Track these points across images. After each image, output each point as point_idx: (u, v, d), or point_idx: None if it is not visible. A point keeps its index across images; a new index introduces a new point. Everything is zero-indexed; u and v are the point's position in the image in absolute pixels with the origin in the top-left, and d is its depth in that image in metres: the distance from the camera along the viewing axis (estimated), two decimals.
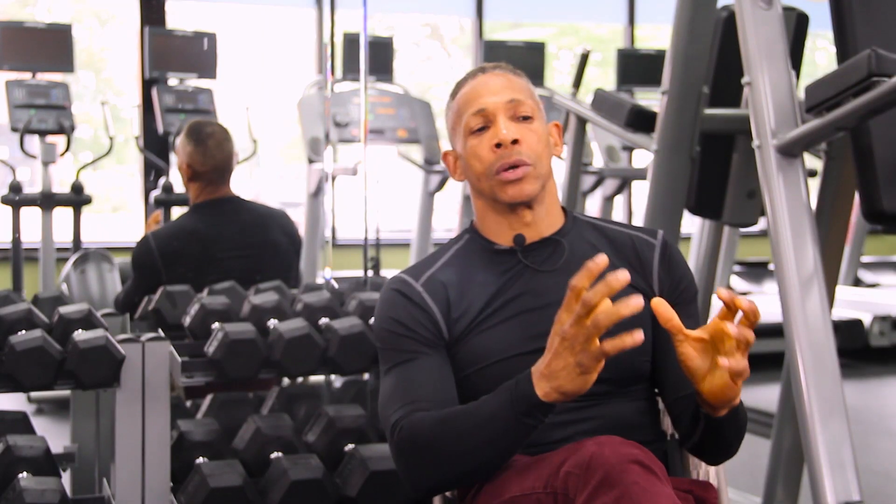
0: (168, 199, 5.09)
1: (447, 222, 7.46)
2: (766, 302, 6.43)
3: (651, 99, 6.18)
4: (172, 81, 5.54)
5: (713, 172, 3.14)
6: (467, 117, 1.72)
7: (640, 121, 3.28)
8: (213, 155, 3.30)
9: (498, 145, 1.68)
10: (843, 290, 6.52)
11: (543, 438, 1.64)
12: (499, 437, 1.53)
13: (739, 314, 1.45)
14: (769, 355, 5.12)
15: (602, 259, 1.40)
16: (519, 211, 1.73)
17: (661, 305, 1.45)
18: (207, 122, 3.45)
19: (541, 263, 1.73)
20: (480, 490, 1.64)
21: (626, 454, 1.46)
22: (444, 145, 1.82)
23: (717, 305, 1.53)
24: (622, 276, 1.36)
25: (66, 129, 5.15)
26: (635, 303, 1.36)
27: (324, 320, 2.58)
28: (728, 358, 1.43)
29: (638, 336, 1.36)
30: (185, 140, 3.34)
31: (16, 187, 5.06)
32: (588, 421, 1.66)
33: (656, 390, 1.80)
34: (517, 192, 1.69)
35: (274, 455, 2.38)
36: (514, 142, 1.68)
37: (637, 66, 6.56)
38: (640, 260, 1.75)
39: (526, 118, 1.71)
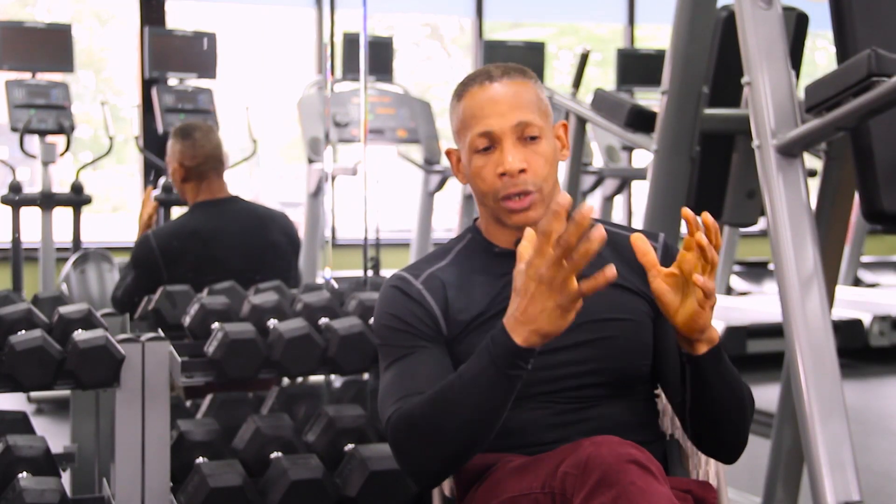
0: (168, 199, 5.09)
1: (447, 222, 7.47)
2: (766, 302, 6.45)
3: (651, 99, 6.18)
4: (172, 81, 5.55)
5: (713, 172, 3.14)
6: (472, 136, 1.68)
7: (640, 121, 3.28)
8: (202, 146, 3.30)
9: (503, 174, 1.66)
10: (843, 290, 6.52)
11: (542, 439, 1.64)
12: (487, 396, 1.51)
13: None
14: (769, 355, 5.12)
15: (565, 199, 1.40)
16: (522, 228, 1.72)
17: (637, 240, 1.54)
18: (192, 121, 3.46)
19: None
20: (478, 490, 1.64)
21: (623, 454, 1.46)
22: (444, 145, 1.79)
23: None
24: (586, 211, 1.38)
25: (65, 129, 5.15)
26: (601, 233, 1.38)
27: (324, 320, 2.58)
28: (700, 275, 1.49)
29: (610, 272, 1.41)
30: (173, 141, 3.35)
31: (16, 187, 5.06)
32: (586, 422, 1.66)
33: (656, 392, 1.80)
34: (522, 219, 1.68)
35: (274, 455, 2.38)
36: (521, 171, 1.66)
37: (637, 66, 6.56)
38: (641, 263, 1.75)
39: (533, 138, 1.67)
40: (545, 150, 1.68)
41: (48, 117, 5.14)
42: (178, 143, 3.32)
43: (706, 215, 1.51)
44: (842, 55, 2.24)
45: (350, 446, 2.43)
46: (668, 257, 1.76)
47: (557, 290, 1.42)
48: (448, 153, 1.79)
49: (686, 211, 1.52)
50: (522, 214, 1.68)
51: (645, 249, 1.53)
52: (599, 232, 1.38)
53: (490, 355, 1.49)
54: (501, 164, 1.66)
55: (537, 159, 1.67)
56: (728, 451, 1.69)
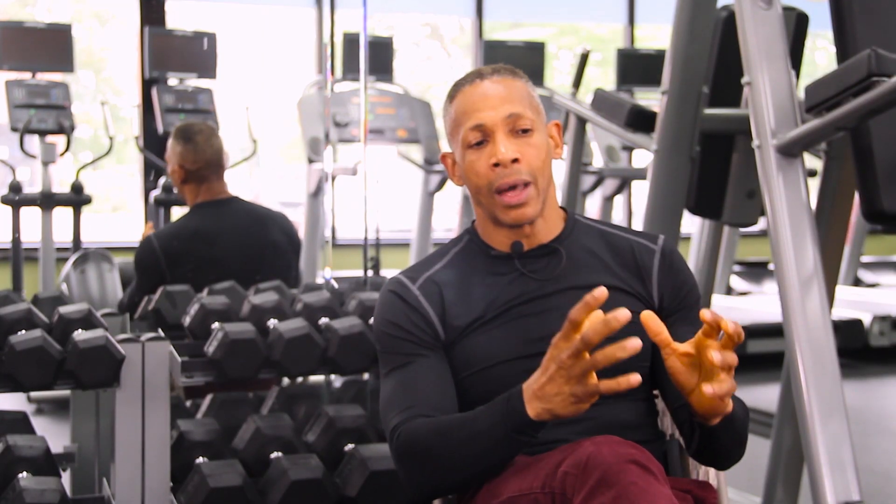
0: (168, 199, 5.10)
1: (447, 222, 7.46)
2: (766, 302, 6.45)
3: (651, 99, 6.18)
4: (172, 81, 5.55)
5: (713, 172, 3.14)
6: (465, 131, 1.69)
7: (640, 121, 3.28)
8: (204, 150, 3.30)
9: (496, 164, 1.66)
10: (843, 290, 6.52)
11: (541, 438, 1.64)
12: (491, 450, 1.55)
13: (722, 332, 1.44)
14: (769, 355, 5.12)
15: (601, 293, 1.40)
16: (519, 227, 1.73)
17: (649, 319, 1.46)
18: (193, 122, 3.46)
19: (538, 271, 1.73)
20: (479, 490, 1.64)
21: (623, 454, 1.46)
22: (444, 145, 1.79)
23: (716, 306, 1.53)
24: (622, 316, 1.37)
25: (65, 129, 5.15)
26: (632, 345, 1.37)
27: (324, 320, 2.58)
28: (713, 384, 1.43)
29: (634, 379, 1.39)
30: (174, 142, 3.34)
31: (16, 187, 5.06)
32: (586, 422, 1.66)
33: (655, 392, 1.80)
34: (519, 215, 1.68)
35: (274, 455, 2.38)
36: (514, 160, 1.66)
37: (637, 66, 6.56)
38: (640, 266, 1.75)
39: (525, 131, 1.68)
40: (538, 143, 1.69)
41: (48, 117, 5.14)
42: (180, 145, 3.32)
43: (727, 323, 1.41)
44: (842, 55, 2.24)
45: (350, 446, 2.43)
46: (666, 261, 1.76)
47: (575, 379, 1.43)
48: (443, 157, 1.79)
49: (705, 314, 1.42)
50: (518, 210, 1.68)
51: (657, 329, 1.45)
52: (633, 344, 1.37)
53: (503, 414, 1.52)
54: (494, 155, 1.66)
55: (530, 150, 1.68)
56: (727, 464, 1.70)
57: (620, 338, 1.65)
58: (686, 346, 1.47)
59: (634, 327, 1.70)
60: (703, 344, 1.44)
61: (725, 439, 1.60)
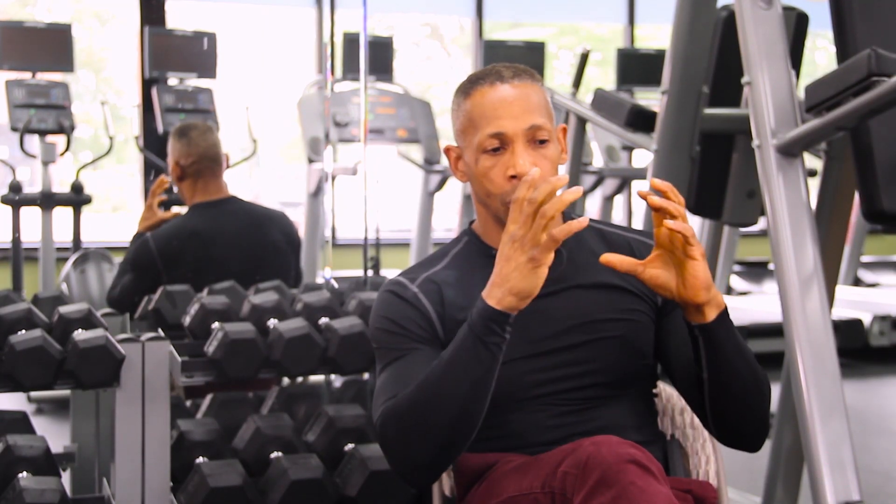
0: (168, 199, 5.08)
1: (447, 222, 7.46)
2: (766, 302, 6.45)
3: (651, 99, 6.18)
4: (172, 81, 5.55)
5: (713, 172, 3.14)
6: (482, 136, 1.66)
7: (640, 120, 3.28)
8: (197, 144, 3.30)
9: (514, 176, 1.65)
10: (843, 290, 6.52)
11: (542, 440, 1.64)
12: (467, 369, 1.52)
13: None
14: (769, 355, 5.12)
15: (535, 172, 1.49)
16: None
17: (611, 257, 1.56)
18: (192, 121, 3.46)
19: None
20: (478, 490, 1.64)
21: (623, 454, 1.46)
22: (444, 145, 1.77)
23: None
24: (559, 180, 1.47)
25: (65, 129, 5.15)
26: (574, 191, 1.48)
27: (324, 320, 2.58)
28: (670, 220, 1.51)
29: (582, 220, 1.48)
30: (171, 140, 3.35)
31: (16, 187, 5.06)
32: (586, 423, 1.66)
33: (655, 392, 1.80)
34: None
35: (274, 455, 2.38)
36: None
37: (637, 66, 6.56)
38: (638, 258, 1.75)
39: (542, 142, 1.67)
40: (552, 155, 1.68)
41: (48, 117, 5.14)
42: (176, 141, 3.33)
43: (655, 182, 1.54)
44: (842, 55, 2.25)
45: (350, 446, 2.43)
46: None
47: (529, 243, 1.47)
48: (447, 150, 1.77)
49: (642, 192, 1.54)
50: None
51: (619, 260, 1.55)
52: (574, 190, 1.46)
53: (468, 326, 1.52)
54: (513, 167, 1.64)
55: (546, 163, 1.67)
56: (751, 437, 1.66)
57: (622, 328, 1.65)
58: (652, 253, 1.57)
59: (633, 324, 1.70)
60: (660, 233, 1.54)
61: (733, 354, 1.58)
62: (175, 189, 3.47)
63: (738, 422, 1.64)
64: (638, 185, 6.61)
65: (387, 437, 1.59)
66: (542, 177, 1.49)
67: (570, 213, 1.82)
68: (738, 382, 1.60)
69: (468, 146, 1.70)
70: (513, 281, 1.48)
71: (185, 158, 3.30)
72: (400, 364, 1.66)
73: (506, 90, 1.67)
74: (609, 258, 1.55)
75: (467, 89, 1.71)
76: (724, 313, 1.57)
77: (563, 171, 4.03)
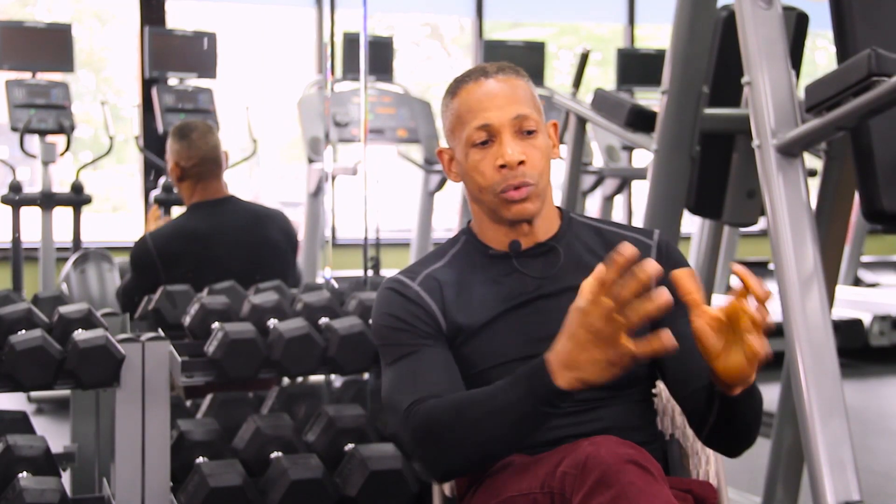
0: (168, 199, 5.09)
1: (447, 222, 7.46)
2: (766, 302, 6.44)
3: (651, 99, 6.18)
4: (172, 81, 5.55)
5: (713, 172, 3.14)
6: (470, 130, 1.68)
7: (640, 120, 3.28)
8: (199, 146, 3.29)
9: (503, 166, 1.66)
10: (843, 290, 6.52)
11: (541, 439, 1.64)
12: (517, 424, 1.51)
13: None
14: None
15: (629, 250, 1.35)
16: (518, 224, 1.72)
17: (682, 277, 1.41)
18: (191, 120, 3.45)
19: (536, 269, 1.73)
20: (478, 489, 1.64)
21: (622, 454, 1.46)
22: (444, 145, 1.79)
23: (717, 306, 1.52)
24: (650, 268, 1.34)
25: (65, 129, 5.15)
26: (663, 299, 1.34)
27: (324, 320, 2.58)
28: (757, 341, 1.40)
29: (668, 341, 1.35)
30: (171, 140, 3.34)
31: (16, 187, 5.06)
32: (586, 424, 1.66)
33: (654, 391, 1.80)
34: (520, 210, 1.68)
35: (274, 455, 2.38)
36: (520, 163, 1.66)
37: (637, 66, 6.56)
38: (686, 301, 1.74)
39: (530, 132, 1.68)
40: (541, 145, 1.69)
41: (48, 117, 5.14)
42: (176, 142, 3.32)
43: (753, 283, 1.41)
44: (842, 55, 2.25)
45: (350, 446, 2.43)
46: (663, 254, 1.76)
47: (608, 344, 1.39)
48: (440, 153, 1.78)
49: (738, 270, 1.42)
50: (520, 206, 1.68)
51: (689, 288, 1.41)
52: (664, 296, 1.34)
53: (528, 390, 1.48)
54: (501, 157, 1.66)
55: (535, 152, 1.68)
56: (740, 447, 1.66)
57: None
58: (717, 311, 1.44)
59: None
60: (735, 308, 1.42)
61: (746, 412, 1.56)
62: (175, 189, 3.47)
63: (732, 446, 1.65)
64: (638, 186, 6.61)
65: (416, 441, 1.60)
66: (625, 257, 1.34)
67: (578, 218, 1.82)
68: (744, 428, 1.60)
69: (458, 144, 1.72)
70: (585, 373, 1.42)
71: (186, 160, 3.29)
72: (411, 361, 1.66)
73: (490, 84, 1.69)
74: (683, 282, 1.41)
75: (454, 89, 1.73)
76: (751, 387, 1.52)
77: (564, 171, 4.05)
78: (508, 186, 1.67)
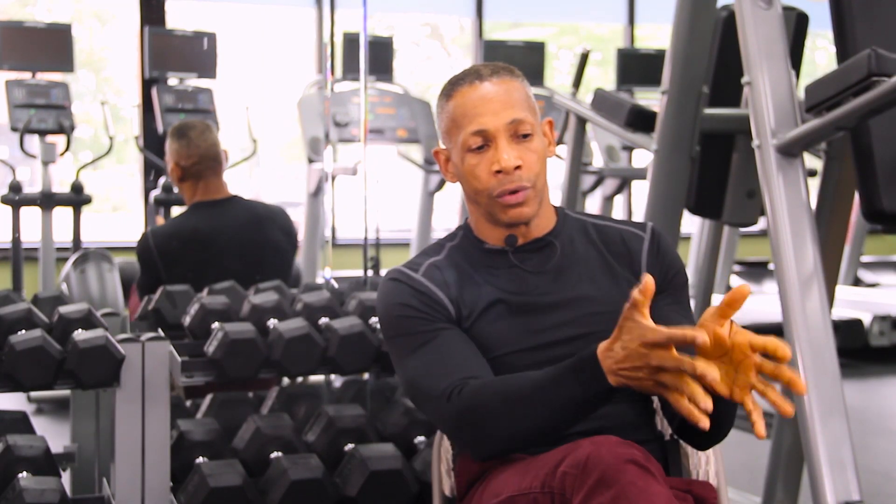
0: (168, 199, 5.09)
1: (447, 222, 7.46)
2: (766, 302, 6.44)
3: (651, 99, 6.18)
4: (172, 81, 5.54)
5: (713, 172, 3.14)
6: (466, 135, 1.69)
7: (640, 120, 3.28)
8: (197, 144, 3.29)
9: (499, 171, 1.67)
10: (843, 290, 6.52)
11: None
12: (568, 415, 1.54)
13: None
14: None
15: (703, 338, 1.37)
16: (515, 226, 1.73)
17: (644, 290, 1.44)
18: (189, 120, 3.45)
19: (533, 264, 1.73)
20: (479, 489, 1.64)
21: (622, 454, 1.46)
22: (442, 145, 1.80)
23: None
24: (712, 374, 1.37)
25: (65, 129, 5.15)
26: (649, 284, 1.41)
27: (324, 320, 2.58)
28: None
29: (704, 423, 1.37)
30: (170, 140, 3.34)
31: (16, 187, 5.05)
32: (584, 422, 1.66)
33: None
34: (517, 214, 1.70)
35: (274, 455, 2.38)
36: (516, 168, 1.67)
37: (637, 66, 6.56)
38: (629, 252, 1.76)
39: (526, 136, 1.69)
40: (537, 148, 1.70)
41: (48, 117, 5.14)
42: (175, 142, 3.32)
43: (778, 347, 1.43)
44: (842, 55, 2.25)
45: (350, 446, 2.43)
46: (654, 245, 1.77)
47: (658, 375, 1.41)
48: (436, 153, 1.79)
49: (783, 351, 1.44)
50: (517, 210, 1.69)
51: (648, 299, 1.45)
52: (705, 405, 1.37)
53: (581, 386, 1.50)
54: (497, 162, 1.66)
55: (531, 156, 1.68)
56: (708, 444, 1.69)
57: (616, 321, 1.65)
58: (734, 341, 1.44)
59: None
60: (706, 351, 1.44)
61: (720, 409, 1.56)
62: (176, 189, 3.46)
63: (698, 436, 1.66)
64: (638, 185, 6.61)
65: (462, 422, 1.60)
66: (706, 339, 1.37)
67: (573, 215, 1.82)
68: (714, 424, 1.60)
69: (454, 147, 1.72)
70: (633, 384, 1.46)
71: (185, 160, 3.29)
72: (435, 346, 1.66)
73: (485, 88, 1.69)
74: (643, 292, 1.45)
75: (448, 91, 1.73)
76: None
77: (564, 171, 4.04)
78: (505, 191, 1.67)
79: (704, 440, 1.66)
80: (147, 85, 5.93)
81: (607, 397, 1.50)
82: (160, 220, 4.67)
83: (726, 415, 1.60)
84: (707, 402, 1.36)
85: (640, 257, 1.76)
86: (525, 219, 1.71)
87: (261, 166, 9.75)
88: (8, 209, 5.10)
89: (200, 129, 3.33)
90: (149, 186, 6.05)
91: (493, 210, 1.70)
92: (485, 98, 1.68)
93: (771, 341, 1.41)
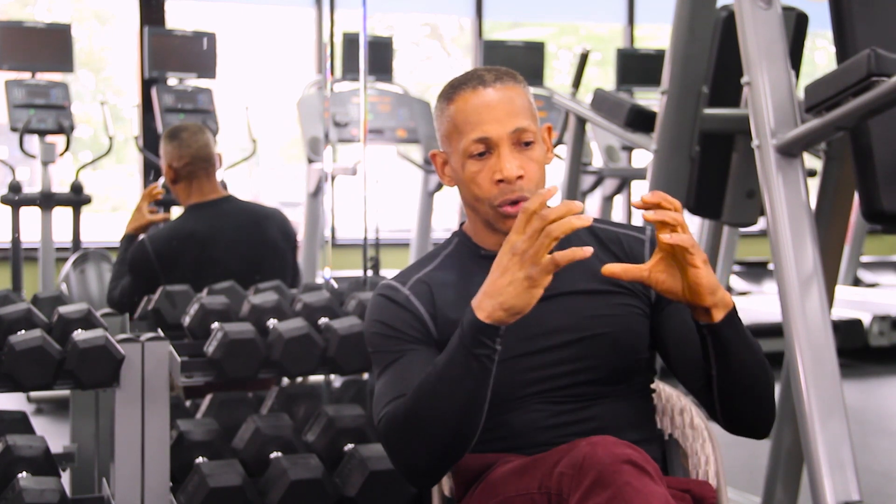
0: (168, 199, 5.09)
1: (447, 222, 7.47)
2: (766, 302, 6.45)
3: (651, 99, 6.18)
4: (172, 81, 5.55)
5: (713, 172, 3.14)
6: (467, 142, 1.66)
7: (640, 121, 3.28)
8: (189, 145, 3.28)
9: (500, 181, 1.65)
10: (842, 290, 6.52)
11: (539, 440, 1.64)
12: (460, 382, 1.51)
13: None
14: (769, 355, 5.12)
15: (554, 188, 1.47)
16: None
17: (612, 267, 1.54)
18: (183, 122, 3.44)
19: None
20: (476, 490, 1.64)
21: (618, 454, 1.46)
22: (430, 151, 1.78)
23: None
24: (575, 206, 1.43)
25: (65, 129, 5.15)
26: (587, 250, 1.43)
27: (323, 320, 2.58)
28: (668, 234, 1.50)
29: (587, 249, 1.43)
30: (163, 143, 3.34)
31: (15, 187, 5.06)
32: (584, 422, 1.66)
33: (653, 386, 1.80)
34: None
35: (273, 455, 2.38)
36: (518, 177, 1.65)
37: (637, 66, 6.56)
38: (630, 255, 1.75)
39: (527, 144, 1.67)
40: (538, 156, 1.69)
41: (48, 117, 5.14)
42: (167, 144, 3.31)
43: (645, 197, 1.53)
44: (842, 55, 2.24)
45: (350, 446, 2.43)
46: (655, 247, 1.77)
47: (529, 260, 1.44)
48: (433, 156, 1.77)
49: (638, 202, 1.53)
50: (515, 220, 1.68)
51: (620, 270, 1.54)
52: (584, 218, 1.42)
53: (458, 338, 1.51)
54: (500, 171, 1.65)
55: (532, 165, 1.67)
56: (761, 424, 1.67)
57: (613, 324, 1.64)
58: (654, 257, 1.55)
59: (624, 319, 1.70)
60: (660, 239, 1.52)
61: (742, 349, 1.58)
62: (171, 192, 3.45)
63: (748, 412, 1.65)
64: (638, 186, 6.62)
65: (389, 443, 1.60)
66: (551, 192, 1.46)
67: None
68: (748, 376, 1.61)
69: (454, 151, 1.70)
70: (505, 296, 1.46)
71: (177, 161, 3.28)
72: (397, 367, 1.66)
73: (489, 94, 1.67)
74: (612, 269, 1.53)
75: (450, 94, 1.70)
76: (732, 312, 1.58)
77: (564, 171, 4.05)
78: (505, 201, 1.66)
79: (758, 429, 1.67)
80: (147, 85, 5.93)
81: (483, 338, 1.47)
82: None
83: (756, 363, 1.61)
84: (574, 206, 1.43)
85: (643, 261, 1.75)
86: None
87: (260, 166, 9.75)
88: (8, 209, 5.10)
89: (193, 130, 3.33)
90: (148, 186, 6.04)
91: (492, 219, 1.70)
92: (489, 105, 1.66)
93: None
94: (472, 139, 1.66)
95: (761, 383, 1.63)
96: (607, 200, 6.35)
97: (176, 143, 3.29)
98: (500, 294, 1.46)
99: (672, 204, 1.52)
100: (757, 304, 6.49)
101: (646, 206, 1.52)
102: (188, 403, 2.96)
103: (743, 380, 1.61)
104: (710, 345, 1.59)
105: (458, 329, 1.52)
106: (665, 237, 1.49)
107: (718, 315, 1.55)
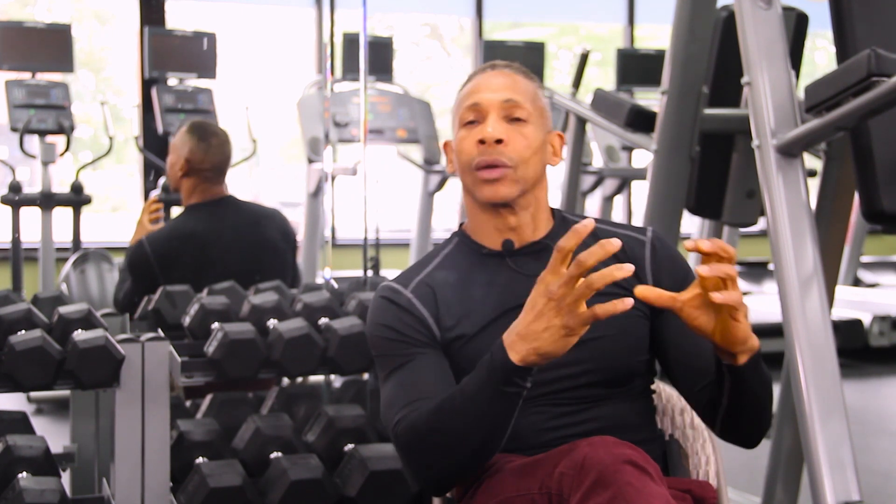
0: (168, 199, 5.09)
1: (447, 222, 7.47)
2: (765, 302, 6.45)
3: (651, 99, 6.18)
4: (172, 81, 5.55)
5: (713, 172, 3.14)
6: (462, 109, 1.72)
7: (640, 121, 3.28)
8: (215, 154, 3.29)
9: (482, 141, 1.68)
10: (842, 290, 6.52)
11: (540, 441, 1.64)
12: (486, 411, 1.51)
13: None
14: (769, 355, 5.12)
15: (588, 222, 1.41)
16: (501, 212, 1.72)
17: (646, 291, 1.43)
18: (210, 122, 3.44)
19: (530, 268, 1.72)
20: (477, 490, 1.64)
21: (619, 455, 1.46)
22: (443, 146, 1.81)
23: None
24: (616, 242, 1.36)
25: (65, 129, 5.15)
26: (627, 268, 1.36)
27: (323, 320, 2.58)
28: (721, 292, 1.41)
29: (628, 301, 1.36)
30: (188, 136, 3.32)
31: (15, 187, 5.06)
32: (584, 423, 1.66)
33: (653, 387, 1.80)
34: (492, 192, 1.68)
35: (273, 455, 2.38)
36: (498, 141, 1.67)
37: (637, 66, 6.56)
38: (631, 258, 1.74)
39: (519, 120, 1.69)
40: (529, 135, 1.69)
41: (48, 117, 5.14)
42: (193, 140, 3.29)
43: (703, 243, 1.43)
44: (842, 55, 2.24)
45: (350, 446, 2.43)
46: (657, 249, 1.76)
47: (566, 310, 1.39)
48: (445, 145, 1.80)
49: (697, 244, 1.43)
50: (492, 187, 1.68)
51: (656, 294, 1.44)
52: (626, 268, 1.35)
53: (488, 373, 1.49)
54: (481, 133, 1.68)
55: (519, 138, 1.68)
56: (757, 437, 1.66)
57: (614, 327, 1.63)
58: (690, 290, 1.45)
59: (625, 322, 1.69)
60: (702, 277, 1.43)
61: (756, 388, 1.55)
62: (170, 187, 3.44)
63: (746, 428, 1.65)
64: (638, 186, 6.62)
65: (407, 452, 1.61)
66: (587, 227, 1.39)
67: (571, 218, 1.82)
68: (757, 406, 1.59)
69: (454, 129, 1.75)
70: (541, 342, 1.42)
71: (199, 162, 3.28)
72: (406, 371, 1.66)
73: (492, 74, 1.74)
74: (645, 294, 1.44)
75: (464, 82, 1.77)
76: (757, 355, 1.53)
77: (564, 171, 4.04)
78: (482, 162, 1.67)
79: (750, 431, 1.64)
80: (147, 85, 5.93)
81: (515, 378, 1.45)
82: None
83: (766, 395, 1.59)
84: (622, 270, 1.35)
85: (644, 263, 1.74)
86: (501, 199, 1.68)
87: (260, 166, 9.75)
88: (8, 209, 5.10)
89: (222, 138, 3.34)
90: (148, 186, 6.05)
91: (473, 187, 1.70)
92: (488, 80, 1.73)
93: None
94: (465, 106, 1.71)
95: (766, 409, 1.61)
96: (607, 201, 6.35)
97: (204, 145, 3.29)
98: (536, 339, 1.42)
99: (728, 254, 1.42)
100: (757, 304, 6.49)
101: (700, 252, 1.43)
102: (188, 403, 2.96)
103: (751, 409, 1.60)
104: (728, 381, 1.55)
105: (487, 360, 1.49)
106: (717, 297, 1.40)
107: (743, 359, 1.51)
